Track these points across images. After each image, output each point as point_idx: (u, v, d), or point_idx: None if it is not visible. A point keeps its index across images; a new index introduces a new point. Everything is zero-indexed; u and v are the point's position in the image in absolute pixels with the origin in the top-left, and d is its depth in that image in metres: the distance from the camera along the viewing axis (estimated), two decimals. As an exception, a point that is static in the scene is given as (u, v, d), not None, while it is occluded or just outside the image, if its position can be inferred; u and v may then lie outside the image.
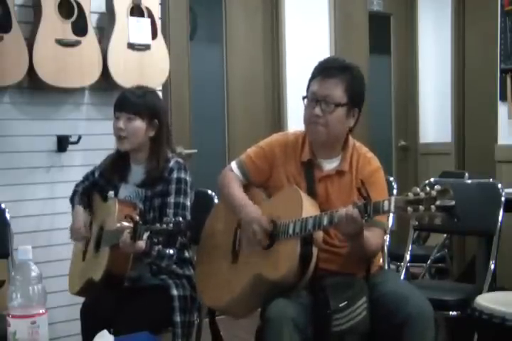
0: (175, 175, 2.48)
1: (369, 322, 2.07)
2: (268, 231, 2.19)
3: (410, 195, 1.86)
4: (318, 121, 2.22)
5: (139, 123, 2.50)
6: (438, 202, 1.79)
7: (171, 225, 2.10)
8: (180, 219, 2.14)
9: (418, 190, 1.85)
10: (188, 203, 2.47)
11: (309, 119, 2.25)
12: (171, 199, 2.44)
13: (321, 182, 2.28)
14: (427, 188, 1.83)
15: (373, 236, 2.16)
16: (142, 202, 2.52)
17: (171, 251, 2.36)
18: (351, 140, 2.35)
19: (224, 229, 2.41)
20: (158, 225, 2.13)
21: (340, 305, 2.04)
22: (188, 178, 2.50)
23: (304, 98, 2.28)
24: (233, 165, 2.43)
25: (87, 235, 2.60)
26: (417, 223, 1.87)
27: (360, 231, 2.04)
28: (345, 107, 2.23)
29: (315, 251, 2.11)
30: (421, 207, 1.81)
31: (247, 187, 2.41)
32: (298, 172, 2.31)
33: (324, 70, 2.26)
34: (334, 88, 2.22)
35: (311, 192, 2.25)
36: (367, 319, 2.06)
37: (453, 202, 1.79)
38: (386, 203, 1.93)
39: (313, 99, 2.24)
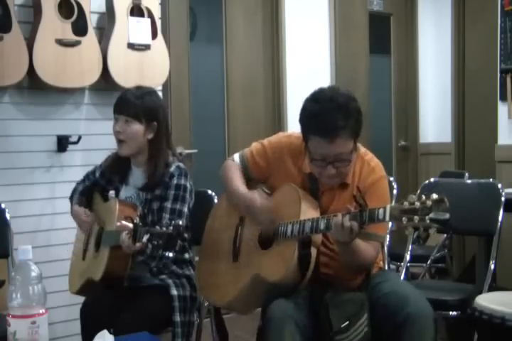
0: (175, 181, 2.46)
1: (370, 336, 2.04)
2: (270, 208, 2.19)
3: (406, 203, 1.83)
4: (333, 176, 2.14)
5: (137, 126, 2.48)
6: (432, 215, 1.76)
7: (171, 228, 2.10)
8: (180, 222, 2.13)
9: (414, 198, 1.83)
10: (186, 209, 2.46)
11: (322, 176, 2.16)
12: (168, 205, 2.44)
13: (324, 195, 2.25)
14: (423, 197, 1.81)
15: (368, 249, 2.13)
16: (142, 204, 2.52)
17: (170, 254, 2.36)
18: None
19: (225, 227, 2.41)
20: (158, 228, 2.13)
21: (342, 326, 2.01)
22: (187, 184, 2.48)
23: (311, 160, 2.13)
24: (236, 156, 2.43)
25: (91, 220, 2.61)
26: (411, 233, 1.85)
27: (351, 240, 2.01)
28: (354, 150, 2.13)
29: (314, 252, 2.10)
30: (415, 218, 1.79)
31: (248, 184, 2.38)
32: (301, 182, 2.26)
33: (328, 131, 2.04)
34: (344, 145, 2.07)
35: None
36: (368, 335, 2.04)
37: (447, 216, 1.76)
38: (381, 211, 1.90)
39: (323, 161, 2.10)
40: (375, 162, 2.28)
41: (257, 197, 2.25)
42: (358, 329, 2.02)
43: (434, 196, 1.79)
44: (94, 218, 2.62)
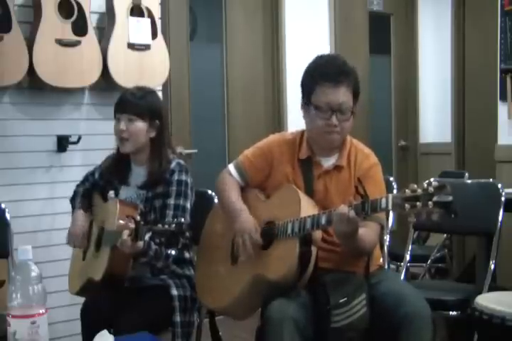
0: (176, 177, 2.48)
1: (368, 319, 2.07)
2: (258, 243, 2.19)
3: (408, 191, 1.85)
4: (335, 130, 2.21)
5: (141, 125, 2.50)
6: (435, 198, 1.79)
7: (173, 226, 2.10)
8: (182, 220, 2.14)
9: (415, 186, 1.85)
10: (189, 205, 2.47)
11: (324, 129, 2.21)
12: (171, 201, 2.44)
13: (320, 179, 2.28)
14: (425, 185, 1.83)
15: (368, 233, 2.15)
16: (143, 203, 2.52)
17: (173, 252, 2.37)
18: (348, 136, 2.35)
19: (223, 230, 2.41)
20: (160, 226, 2.13)
21: (340, 301, 2.04)
22: (188, 180, 2.50)
23: (315, 108, 2.21)
24: (230, 167, 2.43)
25: (82, 245, 2.59)
26: (414, 220, 1.87)
27: (355, 231, 2.03)
28: (353, 109, 2.24)
29: (314, 250, 2.11)
30: (418, 204, 1.81)
31: (245, 189, 2.40)
32: (295, 170, 2.31)
33: (331, 76, 2.19)
34: (346, 95, 2.20)
35: (310, 190, 2.25)
36: (366, 316, 2.06)
37: (450, 198, 1.78)
38: (383, 201, 1.92)
39: (328, 109, 2.19)
40: (368, 150, 2.37)
41: (250, 226, 2.22)
42: (355, 307, 2.05)
43: (436, 183, 1.81)
44: (86, 244, 2.60)
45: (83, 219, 2.62)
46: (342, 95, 2.19)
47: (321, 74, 2.21)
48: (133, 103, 2.50)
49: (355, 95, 2.24)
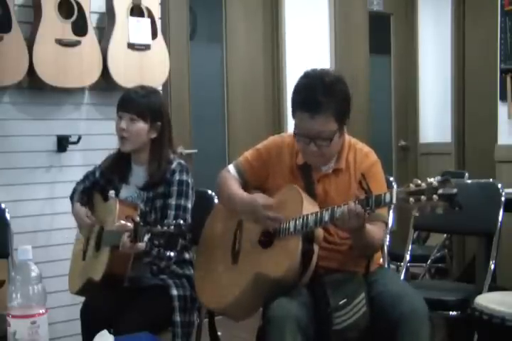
0: (177, 177, 2.48)
1: (369, 317, 2.07)
2: (268, 203, 2.19)
3: (412, 186, 1.87)
4: (315, 155, 2.20)
5: (142, 125, 2.49)
6: (440, 191, 1.80)
7: (172, 227, 2.10)
8: (182, 221, 2.14)
9: (419, 181, 1.86)
10: (190, 205, 2.47)
11: (305, 151, 2.21)
12: (172, 201, 2.45)
13: (320, 183, 2.28)
14: (428, 179, 1.84)
15: (375, 229, 2.16)
16: (144, 203, 2.52)
17: (172, 254, 2.36)
18: (346, 137, 2.32)
19: (224, 229, 2.41)
20: (159, 227, 2.12)
21: (340, 303, 2.04)
22: (189, 180, 2.50)
23: (294, 132, 2.19)
24: (230, 167, 2.43)
25: (93, 222, 2.60)
26: (417, 214, 1.87)
27: (363, 225, 2.04)
28: (338, 132, 2.18)
29: (316, 248, 2.11)
30: (423, 197, 1.82)
31: (246, 190, 2.39)
32: (294, 174, 2.30)
33: (309, 105, 2.11)
34: (325, 123, 2.12)
35: (310, 193, 2.25)
36: (367, 315, 2.06)
37: (455, 190, 1.79)
38: (388, 195, 1.93)
39: (306, 137, 2.16)
40: (367, 149, 2.35)
41: (256, 197, 2.26)
42: (356, 307, 2.05)
43: (439, 177, 1.83)
44: (95, 220, 2.61)
45: (84, 208, 2.63)
46: (320, 125, 2.12)
47: (299, 101, 2.16)
48: (136, 102, 2.49)
49: (340, 117, 2.15)
